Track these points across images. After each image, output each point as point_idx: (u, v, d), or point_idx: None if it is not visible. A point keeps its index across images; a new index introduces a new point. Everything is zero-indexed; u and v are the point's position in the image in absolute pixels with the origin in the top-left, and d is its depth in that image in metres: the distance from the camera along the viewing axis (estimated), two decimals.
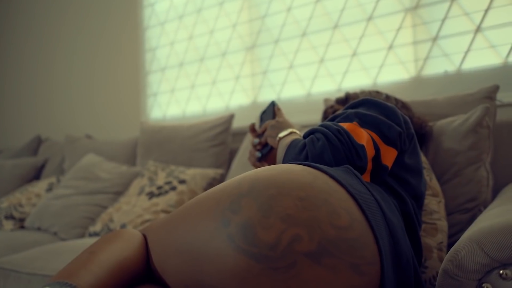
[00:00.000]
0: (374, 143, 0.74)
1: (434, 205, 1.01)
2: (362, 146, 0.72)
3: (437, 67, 1.58)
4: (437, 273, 0.91)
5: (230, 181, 0.63)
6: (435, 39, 1.57)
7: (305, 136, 0.80)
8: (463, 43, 1.50)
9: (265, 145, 1.02)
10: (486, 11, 1.44)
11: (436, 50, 1.57)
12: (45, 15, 3.17)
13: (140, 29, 2.57)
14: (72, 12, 2.99)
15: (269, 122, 0.99)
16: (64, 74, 3.02)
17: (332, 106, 1.18)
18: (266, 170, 0.62)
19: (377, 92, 1.14)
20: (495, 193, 1.15)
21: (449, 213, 1.07)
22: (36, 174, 2.52)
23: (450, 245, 1.01)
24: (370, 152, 0.73)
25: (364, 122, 0.77)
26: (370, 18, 1.73)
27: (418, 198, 0.84)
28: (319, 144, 0.73)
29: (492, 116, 1.16)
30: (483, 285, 0.57)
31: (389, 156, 0.76)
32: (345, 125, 0.75)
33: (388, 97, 1.12)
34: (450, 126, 1.15)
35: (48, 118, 3.10)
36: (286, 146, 0.82)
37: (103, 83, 2.77)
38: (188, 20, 2.37)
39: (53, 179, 2.24)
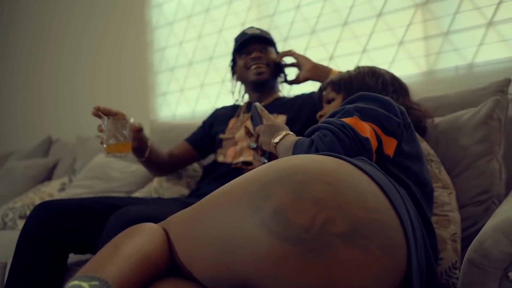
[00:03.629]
0: (376, 135, 0.77)
1: (445, 197, 1.01)
2: (367, 139, 0.74)
3: (449, 62, 1.57)
4: (452, 265, 0.91)
5: (254, 170, 0.63)
6: (446, 34, 1.57)
7: (308, 134, 0.82)
8: (475, 37, 1.50)
9: (264, 150, 1.02)
10: (498, 4, 1.44)
11: (448, 45, 1.57)
12: (52, 17, 3.19)
13: (148, 29, 2.59)
14: (79, 14, 3.01)
15: (259, 129, 0.99)
16: (73, 75, 3.04)
17: (322, 89, 1.15)
18: (289, 159, 0.63)
19: (373, 72, 1.06)
20: (509, 187, 1.14)
21: (462, 206, 1.07)
22: (48, 175, 2.54)
23: (465, 238, 1.01)
24: (373, 144, 0.76)
25: (365, 116, 0.79)
26: (380, 15, 1.73)
27: (423, 185, 0.85)
28: (327, 140, 0.74)
29: (504, 110, 1.15)
30: (509, 274, 0.58)
31: (390, 146, 0.79)
32: (347, 120, 0.77)
33: (383, 80, 1.04)
34: (460, 120, 1.15)
35: (58, 119, 3.12)
36: (291, 147, 0.82)
37: (112, 83, 2.79)
38: (196, 20, 2.38)
39: (65, 179, 2.25)
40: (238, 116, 1.49)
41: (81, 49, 2.99)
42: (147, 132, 2.31)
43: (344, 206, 0.52)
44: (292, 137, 0.88)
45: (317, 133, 0.78)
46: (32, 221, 0.99)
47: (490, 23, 1.46)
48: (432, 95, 1.35)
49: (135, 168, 2.04)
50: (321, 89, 1.17)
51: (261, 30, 1.48)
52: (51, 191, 2.19)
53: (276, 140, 0.90)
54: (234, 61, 1.52)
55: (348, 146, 0.73)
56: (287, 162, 0.61)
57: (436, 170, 1.04)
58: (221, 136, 1.45)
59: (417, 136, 0.97)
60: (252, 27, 1.49)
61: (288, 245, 0.50)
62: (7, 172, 2.58)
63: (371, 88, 0.99)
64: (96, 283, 0.53)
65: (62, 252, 1.05)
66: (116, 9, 2.78)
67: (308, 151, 0.76)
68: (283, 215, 0.51)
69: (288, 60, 1.48)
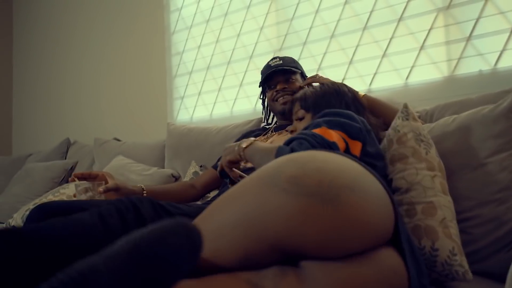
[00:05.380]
0: (343, 139, 0.93)
1: (428, 181, 0.99)
2: (334, 143, 0.89)
3: (471, 66, 1.56)
4: (450, 252, 0.90)
5: (255, 172, 0.71)
6: (468, 38, 1.55)
7: (286, 144, 0.94)
8: (498, 42, 1.49)
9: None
10: None
11: (470, 49, 1.56)
12: (74, 21, 3.25)
13: (167, 33, 2.61)
14: (100, 18, 3.06)
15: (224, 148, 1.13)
16: (92, 79, 3.08)
17: (292, 103, 1.30)
18: (283, 156, 0.72)
19: (337, 92, 1.20)
20: None
21: (484, 202, 1.04)
22: (66, 177, 2.57)
23: (494, 242, 1.00)
24: (341, 146, 0.91)
25: (332, 125, 0.95)
26: (400, 19, 1.72)
27: (384, 178, 1.03)
28: (304, 147, 0.87)
29: None
30: None
31: (356, 147, 0.94)
32: (317, 131, 0.93)
33: (346, 101, 1.18)
34: (479, 114, 1.12)
35: (76, 122, 3.17)
36: (269, 150, 0.94)
37: (130, 87, 2.82)
38: (214, 24, 2.40)
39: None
40: (265, 135, 1.56)
41: (101, 53, 3.04)
42: (164, 136, 2.33)
43: (340, 169, 0.66)
44: (263, 143, 1.02)
45: (294, 142, 0.91)
46: (29, 222, 0.99)
47: None
48: (453, 100, 1.34)
49: (153, 171, 2.06)
50: (291, 102, 1.31)
51: (284, 60, 1.55)
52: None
53: (244, 145, 1.03)
54: (263, 92, 1.63)
55: (320, 149, 0.85)
56: (284, 157, 0.71)
57: (423, 151, 1.03)
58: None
59: (412, 114, 1.11)
60: (276, 58, 1.57)
61: (310, 199, 0.61)
62: (26, 173, 2.62)
63: (336, 107, 1.15)
64: None
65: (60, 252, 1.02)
66: (135, 13, 2.82)
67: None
68: (298, 180, 0.63)
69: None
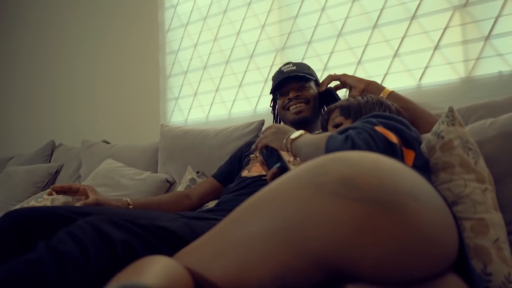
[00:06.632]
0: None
1: (478, 194, 0.88)
2: (396, 144, 0.77)
3: (490, 67, 1.47)
4: (505, 278, 0.79)
5: (293, 171, 0.59)
6: (487, 38, 1.47)
7: (340, 134, 0.82)
8: None
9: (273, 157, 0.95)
10: None
11: (489, 49, 1.47)
12: (64, 20, 3.10)
13: (161, 31, 2.49)
14: (91, 15, 2.91)
15: (270, 127, 0.98)
16: (81, 77, 2.93)
17: (329, 112, 1.13)
18: (327, 155, 0.59)
19: (381, 103, 1.08)
20: None
21: None
22: (51, 181, 2.41)
23: None
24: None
25: (387, 127, 0.82)
26: (413, 17, 1.63)
27: None
28: (362, 137, 0.75)
29: None
30: None
31: (409, 157, 0.84)
32: (375, 127, 0.80)
33: (390, 111, 1.07)
34: None
35: (62, 123, 3.00)
36: (318, 141, 0.82)
37: (121, 87, 2.68)
38: (212, 22, 2.28)
39: None
40: None
41: (91, 51, 2.89)
42: (157, 139, 2.19)
43: (399, 174, 0.55)
44: (312, 135, 0.88)
45: (351, 130, 0.79)
46: None
47: None
48: (479, 102, 1.25)
49: (146, 175, 1.92)
50: (328, 112, 1.14)
51: (298, 66, 1.43)
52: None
53: (293, 136, 0.89)
54: (274, 100, 1.51)
55: (381, 147, 0.75)
56: (328, 155, 0.58)
57: (472, 160, 0.92)
58: (251, 156, 1.35)
59: (459, 119, 0.99)
60: (289, 64, 1.45)
61: (368, 205, 0.50)
62: (7, 177, 2.44)
63: None
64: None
65: None
66: (128, 10, 2.68)
67: (343, 143, 0.76)
68: (352, 182, 0.51)
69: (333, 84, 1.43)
